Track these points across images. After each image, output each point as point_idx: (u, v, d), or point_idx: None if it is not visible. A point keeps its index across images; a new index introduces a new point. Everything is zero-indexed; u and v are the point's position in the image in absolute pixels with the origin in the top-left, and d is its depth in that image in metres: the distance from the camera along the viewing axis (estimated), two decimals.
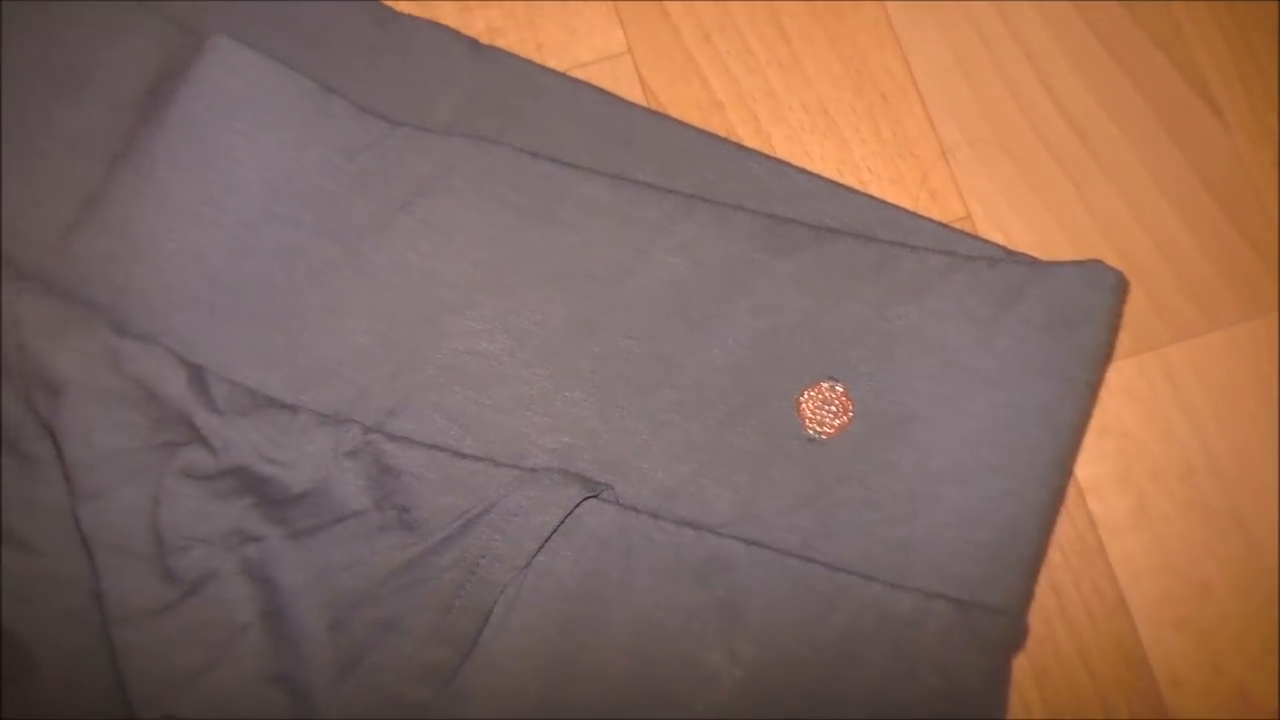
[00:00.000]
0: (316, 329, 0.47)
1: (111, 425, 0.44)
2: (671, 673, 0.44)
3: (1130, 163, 0.53)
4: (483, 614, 0.43)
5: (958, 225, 0.51)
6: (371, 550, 0.44)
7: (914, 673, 0.43)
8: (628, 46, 0.54)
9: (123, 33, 0.50)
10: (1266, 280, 0.52)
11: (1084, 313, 0.46)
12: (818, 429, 0.46)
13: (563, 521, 0.44)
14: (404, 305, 0.47)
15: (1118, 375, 0.51)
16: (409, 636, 0.43)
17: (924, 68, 0.54)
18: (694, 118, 0.52)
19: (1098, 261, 0.46)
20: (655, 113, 0.51)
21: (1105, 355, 0.46)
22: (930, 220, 0.49)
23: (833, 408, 0.46)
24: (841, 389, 0.46)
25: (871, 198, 0.50)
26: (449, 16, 0.53)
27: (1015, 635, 0.44)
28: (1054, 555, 0.50)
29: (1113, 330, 0.46)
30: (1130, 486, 0.50)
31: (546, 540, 0.44)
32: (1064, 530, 0.50)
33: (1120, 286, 0.46)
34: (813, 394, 0.46)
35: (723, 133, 0.52)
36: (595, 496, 0.45)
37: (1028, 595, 0.45)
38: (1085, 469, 0.51)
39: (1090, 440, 0.49)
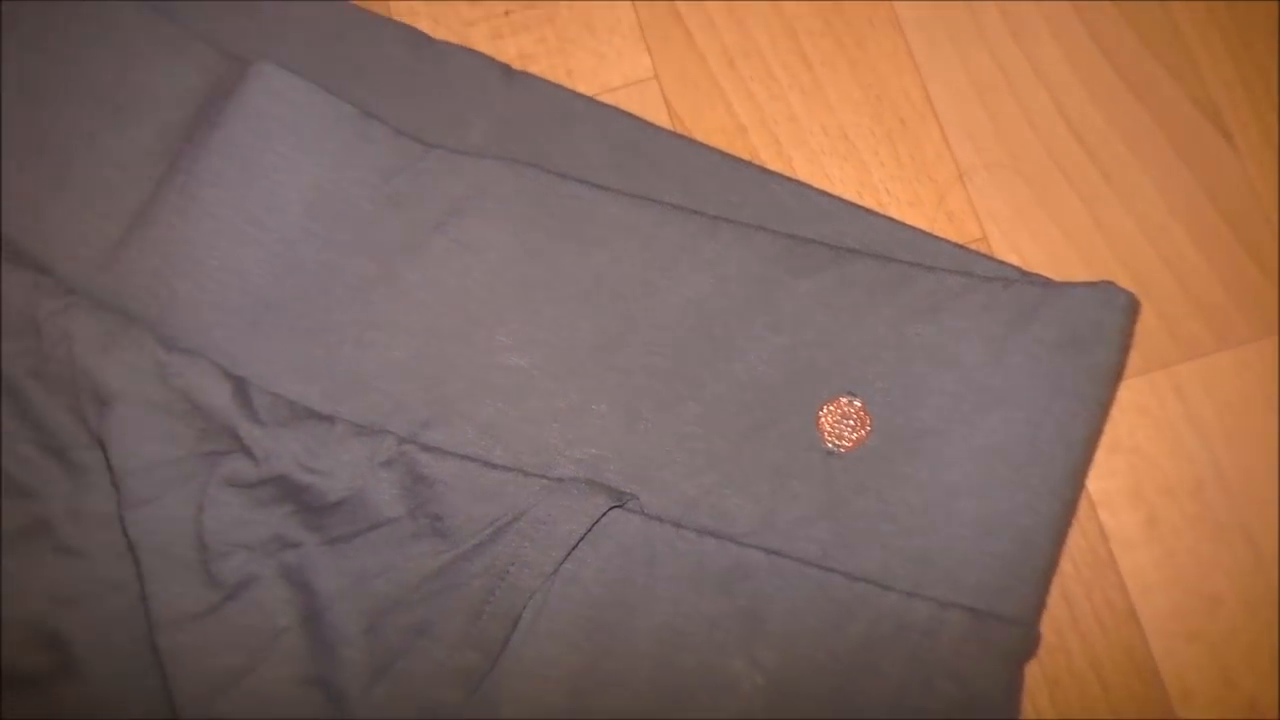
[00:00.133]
0: (353, 343, 0.48)
1: (158, 436, 0.45)
2: (694, 678, 0.44)
3: (1142, 186, 0.53)
4: (512, 620, 0.44)
5: (974, 246, 0.51)
6: (405, 557, 0.45)
7: (930, 680, 0.43)
8: (654, 72, 0.55)
9: (170, 58, 0.50)
10: (1274, 301, 0.52)
11: (1096, 332, 0.46)
12: (836, 442, 0.46)
13: (589, 530, 0.44)
14: (437, 321, 0.48)
15: (1129, 393, 0.51)
16: (440, 641, 0.44)
17: (942, 94, 0.54)
18: (718, 141, 0.53)
19: (1109, 283, 0.46)
20: (681, 136, 0.52)
21: (1117, 373, 0.46)
22: (947, 241, 0.50)
23: (851, 422, 0.47)
24: (860, 404, 0.47)
25: (890, 219, 0.50)
26: (483, 43, 0.54)
27: (1028, 644, 0.44)
28: (1066, 567, 0.50)
29: (1124, 349, 0.46)
30: (1141, 501, 0.50)
31: (574, 548, 0.44)
32: (1076, 543, 0.50)
33: (1131, 307, 0.46)
34: (832, 409, 0.47)
35: (746, 156, 0.52)
36: (620, 506, 0.45)
37: (1040, 605, 0.45)
38: (1097, 483, 0.51)
39: (1102, 456, 0.50)
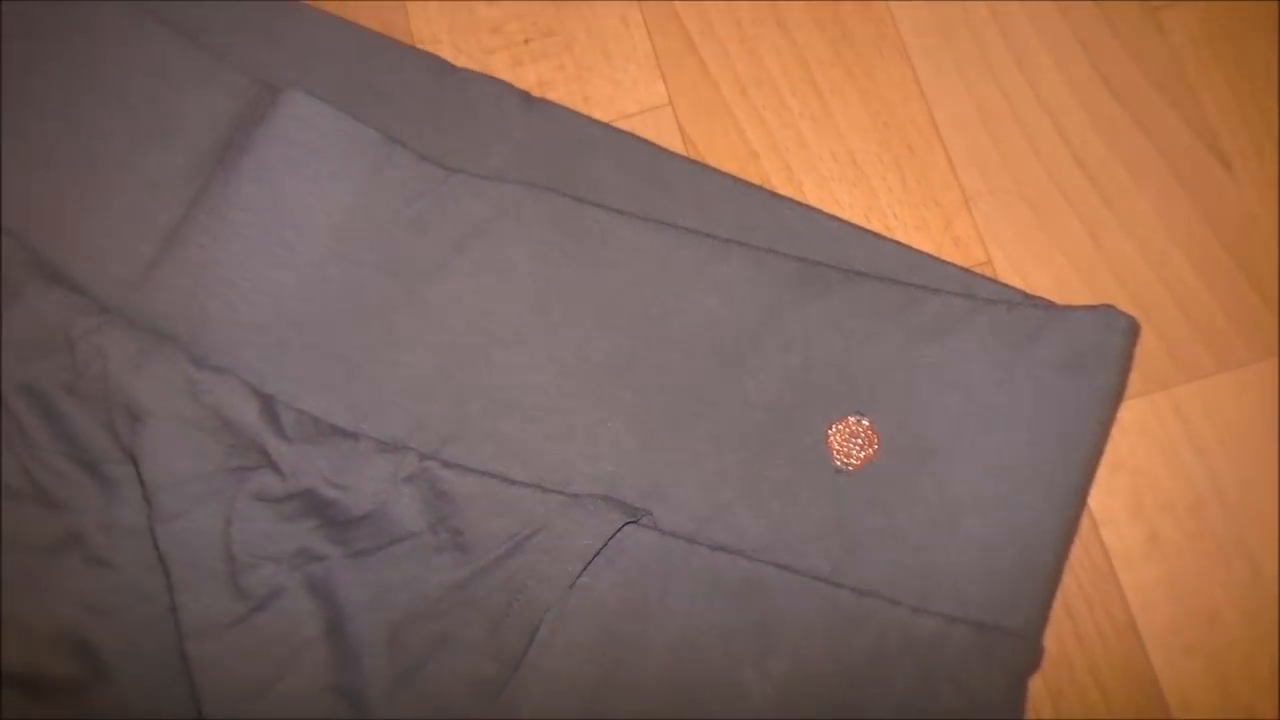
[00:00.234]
0: (377, 362, 0.48)
1: (189, 451, 0.45)
2: (707, 689, 0.45)
3: (1143, 212, 0.53)
4: (530, 631, 0.44)
5: (979, 270, 0.51)
6: (427, 570, 0.45)
7: (936, 692, 0.44)
8: (669, 99, 0.55)
9: (203, 84, 0.51)
10: (1272, 324, 0.52)
11: (1097, 355, 0.46)
12: (845, 460, 0.47)
13: (605, 545, 0.45)
14: (458, 340, 0.48)
15: (1131, 413, 0.51)
16: (461, 652, 0.44)
17: (948, 121, 0.54)
18: (731, 166, 0.53)
19: (1110, 306, 0.47)
20: (694, 161, 0.52)
21: (1117, 394, 0.47)
22: (953, 265, 0.50)
23: (859, 440, 0.47)
24: (868, 423, 0.47)
25: (897, 243, 0.50)
26: (503, 70, 0.55)
27: (1032, 657, 0.45)
28: (1069, 582, 0.50)
29: (1124, 371, 0.47)
30: (1142, 518, 0.51)
31: (590, 562, 0.45)
32: (1079, 559, 0.50)
33: (1132, 330, 0.47)
34: (840, 427, 0.47)
35: (758, 181, 0.53)
36: (636, 522, 0.46)
37: (1044, 619, 0.45)
38: (1099, 501, 0.51)
39: (1104, 474, 0.50)
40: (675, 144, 0.55)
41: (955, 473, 0.46)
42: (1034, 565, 0.45)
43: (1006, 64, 0.55)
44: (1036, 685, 0.48)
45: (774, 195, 0.51)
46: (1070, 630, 0.50)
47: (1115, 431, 0.48)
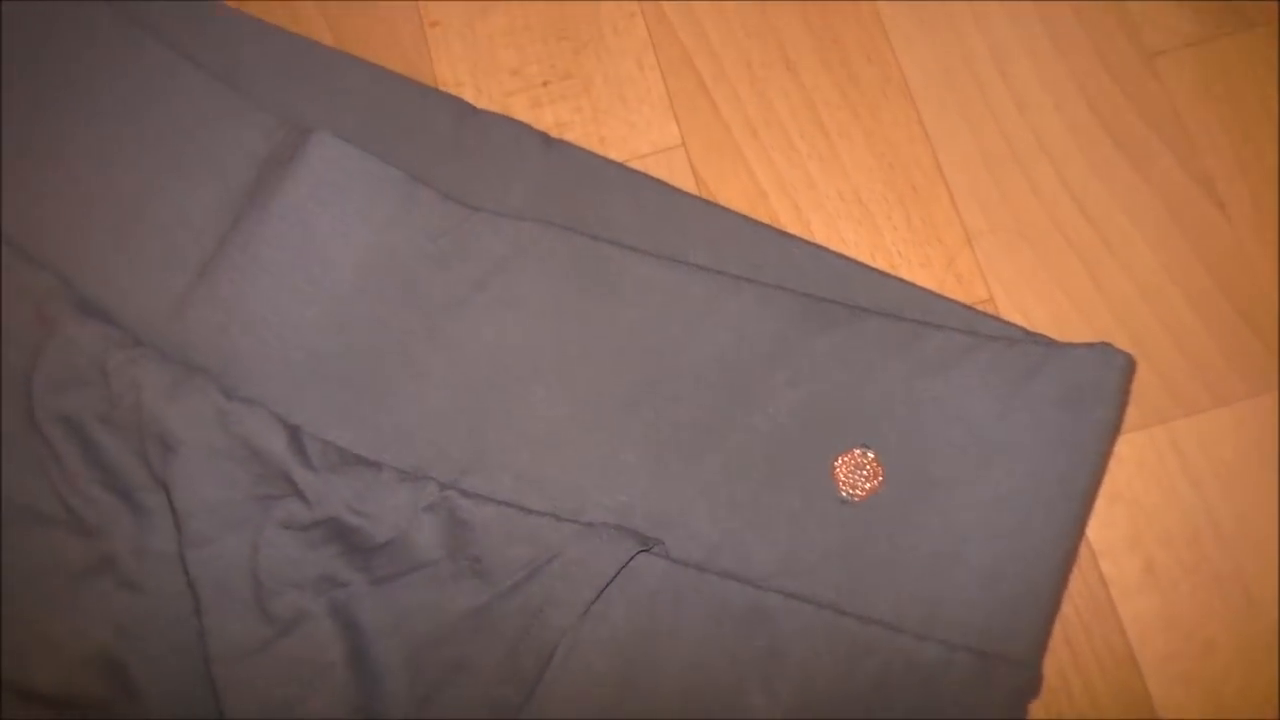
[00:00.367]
0: (400, 394, 0.49)
1: (218, 480, 0.46)
2: (716, 712, 0.45)
3: (1140, 251, 0.54)
4: (546, 656, 0.45)
5: (981, 307, 0.52)
6: (445, 596, 0.46)
7: (938, 717, 0.44)
8: (681, 140, 0.56)
9: (234, 124, 0.52)
10: (1267, 361, 0.53)
11: (1096, 390, 0.47)
12: (850, 491, 0.47)
13: (618, 573, 0.45)
14: (478, 373, 0.49)
15: (1128, 447, 0.52)
16: (478, 676, 0.45)
17: (951, 162, 0.55)
18: (741, 205, 0.54)
19: (1108, 344, 0.48)
20: (706, 200, 0.53)
21: (1114, 429, 0.47)
22: (955, 302, 0.51)
23: (864, 472, 0.48)
24: (873, 455, 0.48)
25: (901, 280, 0.51)
26: (522, 112, 0.56)
27: (1032, 685, 0.45)
28: (1068, 612, 0.50)
29: (1121, 406, 0.47)
30: (1139, 550, 0.51)
31: (604, 589, 0.45)
32: (1078, 589, 0.51)
33: (1129, 367, 0.48)
34: (846, 459, 0.48)
35: (767, 219, 0.54)
36: (648, 550, 0.46)
37: (1044, 648, 0.46)
38: (1097, 533, 0.51)
39: (1102, 506, 0.50)
40: (688, 183, 0.56)
41: (957, 504, 0.47)
42: (1034, 595, 0.46)
43: (1008, 107, 0.56)
44: (1036, 712, 0.48)
45: (782, 233, 0.52)
46: (1069, 658, 0.50)
47: (1113, 464, 0.48)
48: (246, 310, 0.49)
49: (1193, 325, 0.53)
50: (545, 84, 0.57)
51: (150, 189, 0.52)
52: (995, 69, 0.56)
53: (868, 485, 0.48)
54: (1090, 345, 0.48)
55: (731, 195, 0.55)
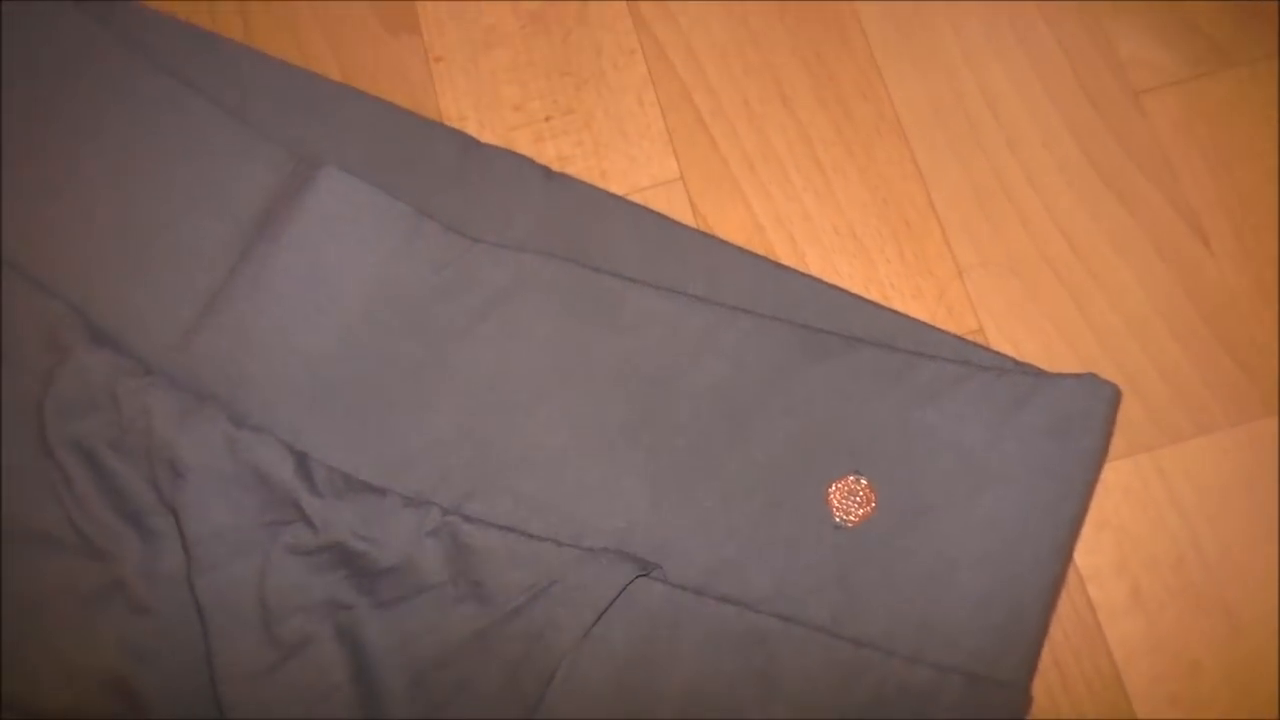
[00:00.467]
0: (404, 421, 0.50)
1: (227, 505, 0.47)
2: None
3: (1127, 284, 0.55)
4: (546, 678, 0.45)
5: (971, 338, 0.52)
6: (448, 619, 0.46)
7: None
8: (680, 174, 0.57)
9: (244, 157, 0.53)
10: (1249, 390, 0.53)
11: (1083, 420, 0.48)
12: (844, 517, 0.48)
13: (618, 597, 0.46)
14: (480, 401, 0.50)
15: (1115, 474, 0.52)
16: (480, 698, 0.45)
17: (943, 198, 0.56)
18: (738, 238, 0.55)
19: (1094, 375, 0.48)
20: (704, 233, 0.54)
21: (1101, 457, 0.48)
22: (947, 333, 0.51)
23: (858, 499, 0.48)
24: (865, 482, 0.48)
25: (894, 312, 0.52)
26: (525, 146, 0.57)
27: (1021, 707, 0.45)
28: (1056, 635, 0.50)
29: (1107, 436, 0.48)
30: (1126, 574, 0.52)
31: (604, 613, 0.46)
32: (1066, 613, 0.51)
33: (1115, 397, 0.48)
34: (840, 486, 0.48)
35: (763, 252, 0.54)
36: (646, 575, 0.47)
37: (1033, 670, 0.46)
38: (1085, 558, 0.52)
39: (1089, 532, 0.51)
40: (686, 216, 0.56)
41: (948, 530, 0.47)
42: (1023, 618, 0.46)
43: (998, 145, 0.57)
44: None
45: (779, 266, 0.53)
46: (1058, 680, 0.51)
47: (1100, 491, 0.49)
48: (255, 338, 0.50)
49: (1177, 356, 0.54)
50: (547, 119, 0.58)
51: (161, 220, 0.52)
52: (986, 107, 0.57)
53: (861, 511, 0.48)
54: (1078, 376, 0.49)
55: (729, 228, 0.56)
